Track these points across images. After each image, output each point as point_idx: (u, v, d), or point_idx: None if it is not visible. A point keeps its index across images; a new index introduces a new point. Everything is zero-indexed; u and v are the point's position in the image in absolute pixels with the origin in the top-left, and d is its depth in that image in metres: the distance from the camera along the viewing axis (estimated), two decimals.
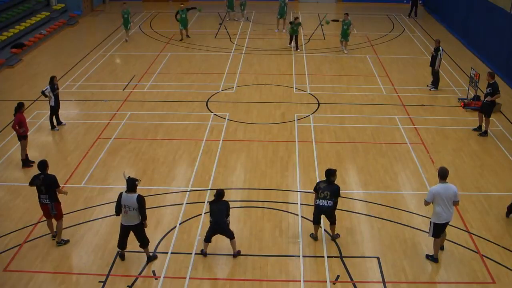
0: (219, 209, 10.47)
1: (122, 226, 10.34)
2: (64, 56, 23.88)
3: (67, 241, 11.19)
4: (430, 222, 10.51)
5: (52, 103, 16.18)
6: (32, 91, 19.42)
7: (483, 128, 16.14)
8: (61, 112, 16.71)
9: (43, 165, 10.88)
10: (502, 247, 11.14)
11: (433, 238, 10.57)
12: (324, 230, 11.48)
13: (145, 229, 10.45)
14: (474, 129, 16.33)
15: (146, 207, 12.13)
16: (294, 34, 24.32)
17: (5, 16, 25.98)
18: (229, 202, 10.70)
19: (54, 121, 16.49)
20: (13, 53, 23.31)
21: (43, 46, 25.52)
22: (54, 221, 11.22)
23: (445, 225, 10.44)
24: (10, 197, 12.98)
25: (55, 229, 11.27)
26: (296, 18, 24.39)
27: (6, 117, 16.97)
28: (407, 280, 10.20)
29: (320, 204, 10.79)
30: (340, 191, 10.95)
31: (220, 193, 10.55)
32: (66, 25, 28.99)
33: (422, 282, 10.18)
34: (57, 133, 16.30)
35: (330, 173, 10.89)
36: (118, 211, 10.30)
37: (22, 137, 14.18)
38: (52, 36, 26.99)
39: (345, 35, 23.89)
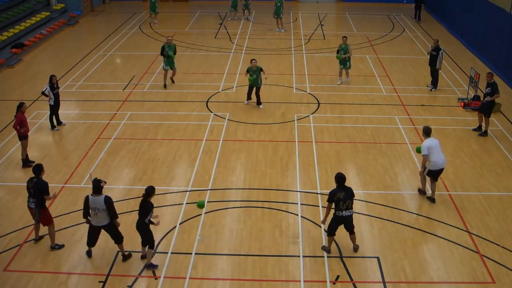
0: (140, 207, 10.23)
1: (92, 226, 10.35)
2: (64, 56, 23.88)
3: (61, 246, 11.06)
4: (428, 170, 12.40)
5: (52, 103, 16.17)
6: (32, 91, 19.42)
7: (483, 128, 16.14)
8: (61, 112, 16.71)
9: (38, 169, 10.82)
10: (502, 247, 11.15)
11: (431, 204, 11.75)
12: (325, 230, 11.48)
13: (117, 231, 10.44)
14: (474, 129, 16.33)
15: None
16: (254, 85, 17.69)
17: (5, 16, 25.99)
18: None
19: (54, 121, 16.49)
20: (13, 53, 23.32)
21: (43, 46, 25.52)
22: (42, 226, 11.14)
23: (441, 171, 12.47)
24: (10, 197, 12.97)
25: (40, 234, 11.24)
26: (253, 60, 17.71)
27: (6, 117, 16.98)
28: (407, 280, 10.20)
29: (345, 215, 10.45)
30: None
31: (147, 192, 10.11)
32: (66, 25, 29.00)
33: (422, 282, 10.18)
34: (57, 133, 16.30)
35: (344, 179, 10.44)
36: (85, 214, 10.29)
37: (23, 137, 14.17)
38: (52, 36, 26.99)
39: (344, 62, 19.71)
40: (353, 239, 10.91)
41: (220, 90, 19.61)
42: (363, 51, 24.53)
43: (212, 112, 17.62)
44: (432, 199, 12.67)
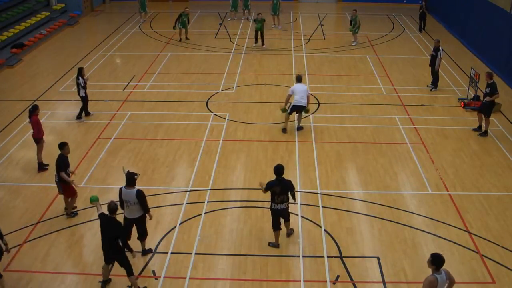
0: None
1: (126, 219, 10.42)
2: (64, 56, 23.87)
3: (75, 214, 11.83)
4: (290, 104, 15.66)
5: (83, 94, 16.55)
6: (32, 91, 19.41)
7: (483, 128, 16.14)
8: (61, 112, 16.72)
9: (61, 144, 11.74)
10: (502, 247, 11.15)
11: None
12: (325, 230, 11.50)
13: (146, 226, 10.48)
14: (474, 129, 16.33)
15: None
16: (259, 30, 24.68)
17: (5, 16, 25.98)
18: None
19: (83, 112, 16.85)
20: (13, 53, 23.30)
21: (43, 46, 25.51)
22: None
23: (300, 107, 15.66)
24: (10, 197, 12.98)
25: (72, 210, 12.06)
26: (259, 14, 24.50)
27: (6, 117, 16.97)
28: (407, 280, 10.21)
29: (279, 208, 10.72)
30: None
31: (111, 208, 9.46)
32: (66, 25, 28.97)
33: (422, 282, 10.14)
34: (57, 133, 16.25)
35: (281, 170, 10.63)
36: (122, 206, 10.38)
37: (35, 140, 14.04)
38: (52, 36, 26.97)
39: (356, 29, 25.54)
40: (287, 226, 11.20)
41: (220, 90, 19.60)
42: (363, 51, 24.53)
43: (212, 112, 17.62)
44: (299, 127, 16.06)
